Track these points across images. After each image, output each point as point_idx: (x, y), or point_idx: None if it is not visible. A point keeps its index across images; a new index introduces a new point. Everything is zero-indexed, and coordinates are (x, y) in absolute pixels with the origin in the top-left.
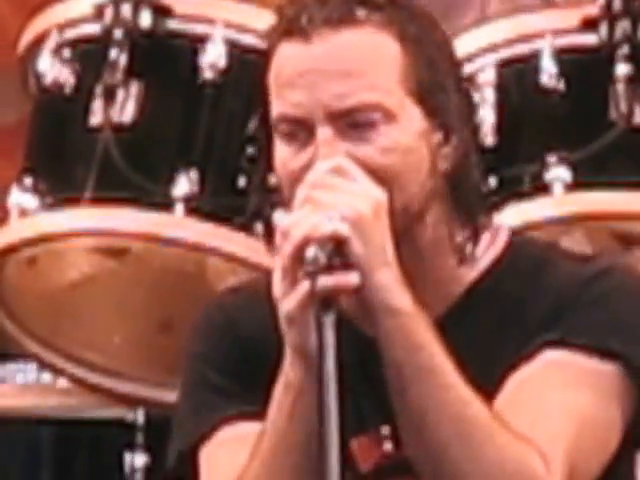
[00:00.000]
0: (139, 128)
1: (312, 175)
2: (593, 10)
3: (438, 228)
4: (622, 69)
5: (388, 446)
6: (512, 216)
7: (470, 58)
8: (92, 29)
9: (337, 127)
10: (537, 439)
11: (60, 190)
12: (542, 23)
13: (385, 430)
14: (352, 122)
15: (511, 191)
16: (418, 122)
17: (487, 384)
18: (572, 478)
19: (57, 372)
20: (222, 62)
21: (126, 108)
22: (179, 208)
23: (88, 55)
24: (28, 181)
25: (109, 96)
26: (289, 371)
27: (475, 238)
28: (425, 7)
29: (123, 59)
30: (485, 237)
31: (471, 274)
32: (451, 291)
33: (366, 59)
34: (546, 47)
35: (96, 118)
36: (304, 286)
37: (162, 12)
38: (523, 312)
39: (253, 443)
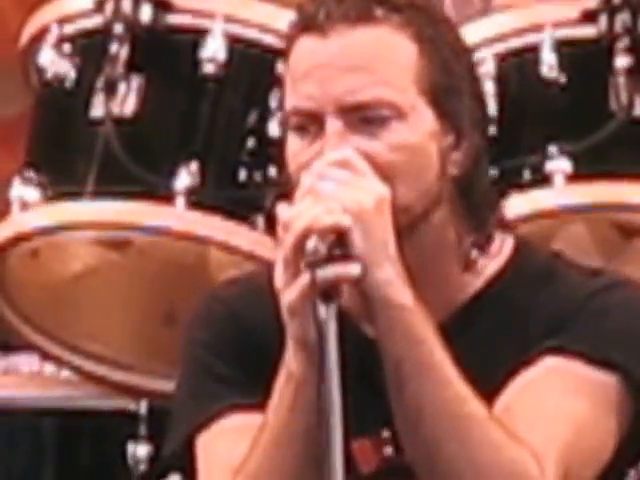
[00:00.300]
0: (140, 121)
1: (318, 165)
2: (593, 2)
3: (444, 232)
4: (622, 61)
5: (388, 450)
6: (513, 207)
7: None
8: (93, 23)
9: (347, 121)
10: (533, 442)
11: (62, 183)
12: (542, 15)
13: (386, 433)
14: (362, 117)
15: (512, 182)
16: (429, 123)
17: (489, 390)
18: None
19: (60, 363)
20: (222, 56)
21: (127, 102)
22: (180, 201)
23: (89, 49)
24: (30, 174)
25: (110, 90)
26: (291, 362)
27: (483, 246)
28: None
29: (124, 53)
30: (492, 245)
31: (476, 282)
32: (455, 297)
33: (380, 57)
34: (546, 39)
35: (97, 112)
36: (305, 277)
37: (162, 6)
38: (526, 320)
39: (254, 434)
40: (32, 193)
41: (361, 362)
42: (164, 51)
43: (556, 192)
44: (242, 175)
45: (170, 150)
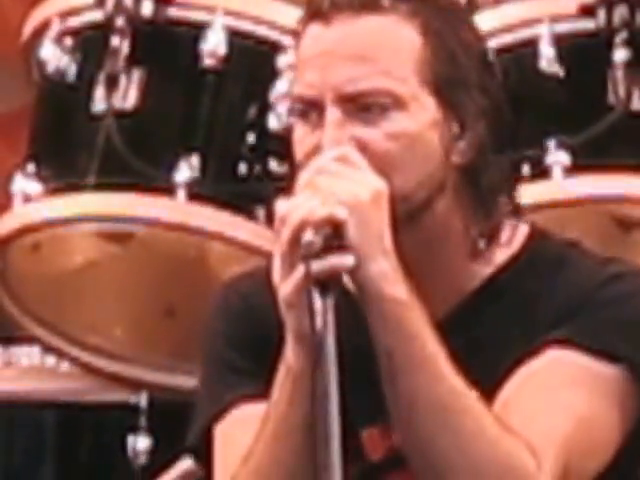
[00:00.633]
0: (141, 115)
1: (316, 161)
2: None
3: (450, 221)
4: (620, 54)
5: (397, 438)
6: None
7: None
8: (94, 17)
9: (346, 110)
10: (532, 435)
11: (63, 176)
12: (541, 9)
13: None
14: (361, 106)
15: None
16: (431, 113)
17: (497, 380)
18: (565, 477)
19: (61, 355)
20: (222, 49)
21: (128, 95)
22: (181, 194)
23: (90, 43)
24: (31, 168)
25: (111, 83)
26: (289, 356)
27: (491, 234)
28: None
29: (125, 47)
30: (504, 233)
31: (487, 270)
32: (465, 286)
33: (382, 45)
34: (545, 33)
35: (98, 105)
36: (299, 269)
37: (163, 0)
38: (536, 309)
39: (258, 426)
40: (34, 186)
41: (371, 350)
42: (165, 44)
43: (555, 185)
44: (242, 168)
45: (171, 143)
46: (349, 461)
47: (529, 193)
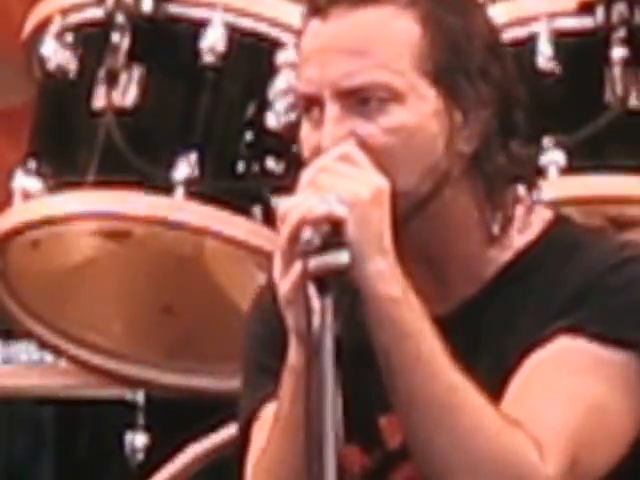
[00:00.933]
0: (140, 112)
1: (319, 160)
2: None
3: (463, 208)
4: (618, 52)
5: None
6: None
7: None
8: (94, 14)
9: (345, 105)
10: (539, 427)
11: (63, 173)
12: (539, 6)
13: None
14: (359, 100)
15: None
16: (431, 103)
17: (508, 369)
18: (575, 467)
19: (58, 353)
20: (222, 46)
21: (128, 92)
22: (179, 191)
23: (90, 40)
24: (32, 164)
25: (111, 80)
26: (291, 354)
27: (505, 220)
28: None
29: (125, 43)
30: (523, 218)
31: (504, 255)
32: (484, 272)
33: (378, 38)
34: (543, 30)
35: (99, 102)
36: (296, 267)
37: None
38: (549, 295)
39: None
40: (34, 183)
41: None
42: (165, 41)
43: (550, 185)
44: (240, 166)
45: (170, 140)
46: (369, 448)
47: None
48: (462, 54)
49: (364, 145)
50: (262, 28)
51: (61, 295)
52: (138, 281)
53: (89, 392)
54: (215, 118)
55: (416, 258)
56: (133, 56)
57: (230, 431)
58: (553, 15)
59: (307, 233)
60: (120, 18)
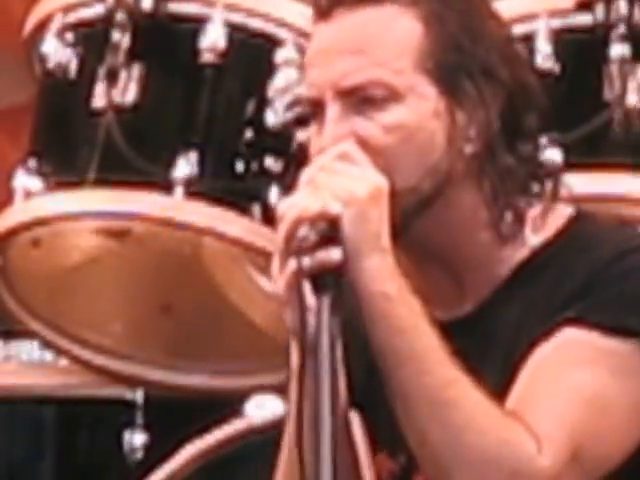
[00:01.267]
0: (140, 110)
1: (318, 159)
2: None
3: (470, 209)
4: (617, 50)
5: None
6: None
7: None
8: (95, 12)
9: (346, 104)
10: (539, 419)
11: (63, 172)
12: (537, 4)
13: None
14: (359, 99)
15: None
16: (432, 102)
17: (520, 363)
18: (579, 458)
19: (58, 351)
20: (222, 44)
21: (128, 90)
22: (179, 190)
23: (91, 38)
24: (32, 163)
25: (111, 79)
26: (292, 355)
27: (516, 219)
28: None
29: (125, 41)
30: (540, 217)
31: (519, 254)
32: (497, 272)
33: (378, 37)
34: (541, 28)
35: (99, 101)
36: (290, 265)
37: None
38: (558, 290)
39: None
40: (35, 182)
41: None
42: (165, 39)
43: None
44: (240, 165)
45: (169, 139)
46: (395, 453)
47: None
48: (465, 53)
49: (364, 144)
50: (262, 26)
51: (61, 294)
52: (138, 280)
53: (88, 391)
54: (215, 116)
55: (430, 261)
56: (133, 54)
57: (228, 430)
58: (552, 13)
59: (303, 231)
60: (120, 16)
